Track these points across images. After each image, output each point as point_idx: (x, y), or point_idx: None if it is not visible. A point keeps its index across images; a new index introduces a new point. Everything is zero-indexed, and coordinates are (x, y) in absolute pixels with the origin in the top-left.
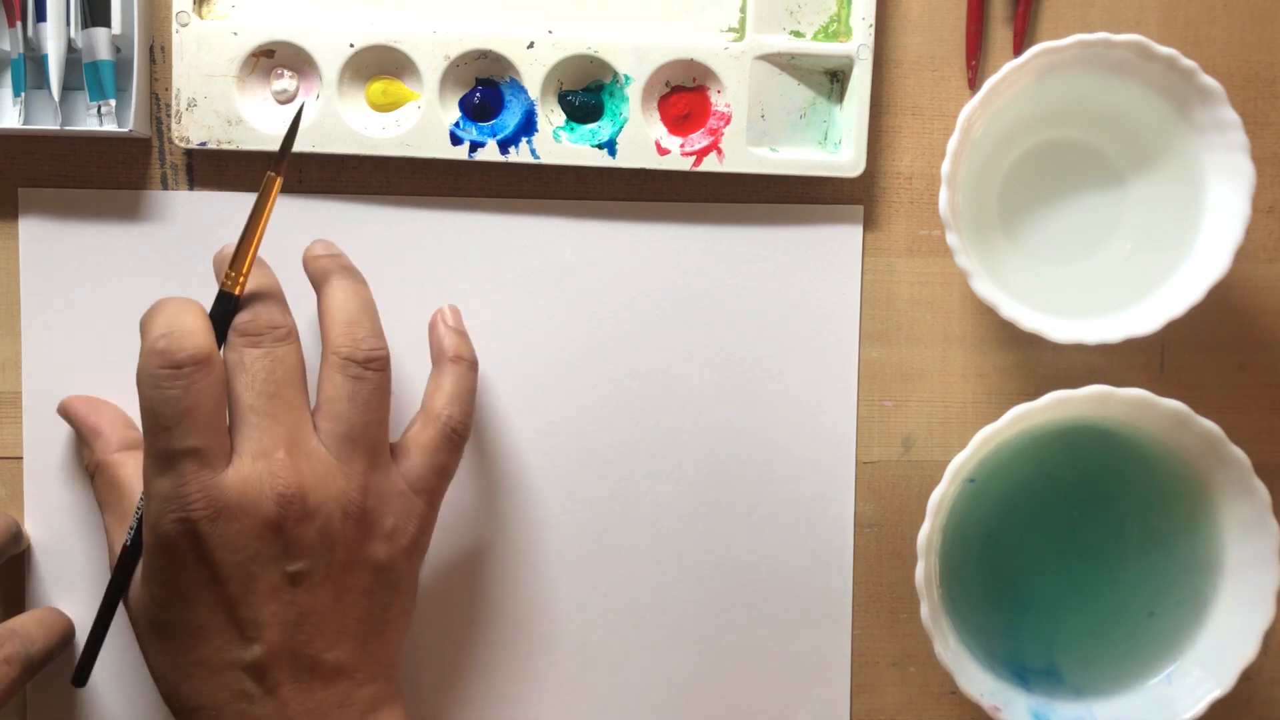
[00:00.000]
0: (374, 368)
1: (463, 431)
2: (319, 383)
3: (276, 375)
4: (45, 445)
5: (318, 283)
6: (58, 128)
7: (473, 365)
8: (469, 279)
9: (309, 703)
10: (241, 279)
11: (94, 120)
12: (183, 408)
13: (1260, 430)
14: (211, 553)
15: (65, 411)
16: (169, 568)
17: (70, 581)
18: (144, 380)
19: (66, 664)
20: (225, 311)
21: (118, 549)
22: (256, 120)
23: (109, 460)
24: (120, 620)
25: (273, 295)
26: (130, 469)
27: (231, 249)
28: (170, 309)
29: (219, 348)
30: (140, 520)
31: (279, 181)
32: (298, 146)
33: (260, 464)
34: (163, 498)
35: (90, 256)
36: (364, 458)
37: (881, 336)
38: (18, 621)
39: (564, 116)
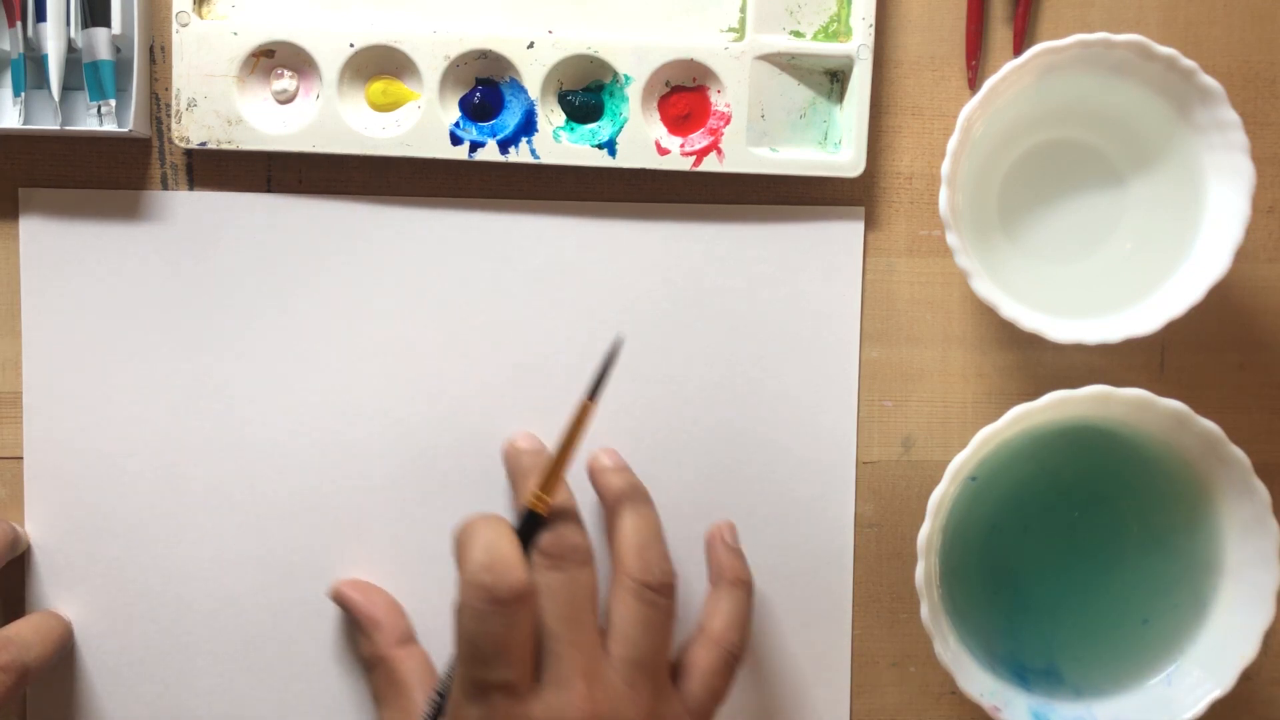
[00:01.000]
0: (665, 594)
1: (741, 657)
2: (609, 605)
3: (577, 599)
4: (45, 445)
5: (610, 504)
6: (58, 128)
7: (750, 588)
8: (469, 279)
9: None
10: (548, 501)
11: (94, 120)
12: (503, 642)
13: (1260, 430)
14: None
15: (341, 599)
16: None
17: (70, 583)
18: (465, 611)
19: (66, 666)
20: (529, 530)
21: None
22: (256, 120)
23: (391, 655)
24: (124, 621)
25: (571, 514)
26: (410, 665)
27: (528, 453)
28: (487, 535)
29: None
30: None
31: (593, 408)
32: (297, 147)
33: (562, 695)
34: (471, 717)
35: (90, 256)
36: (650, 685)
37: (881, 336)
38: (14, 629)
39: (564, 116)
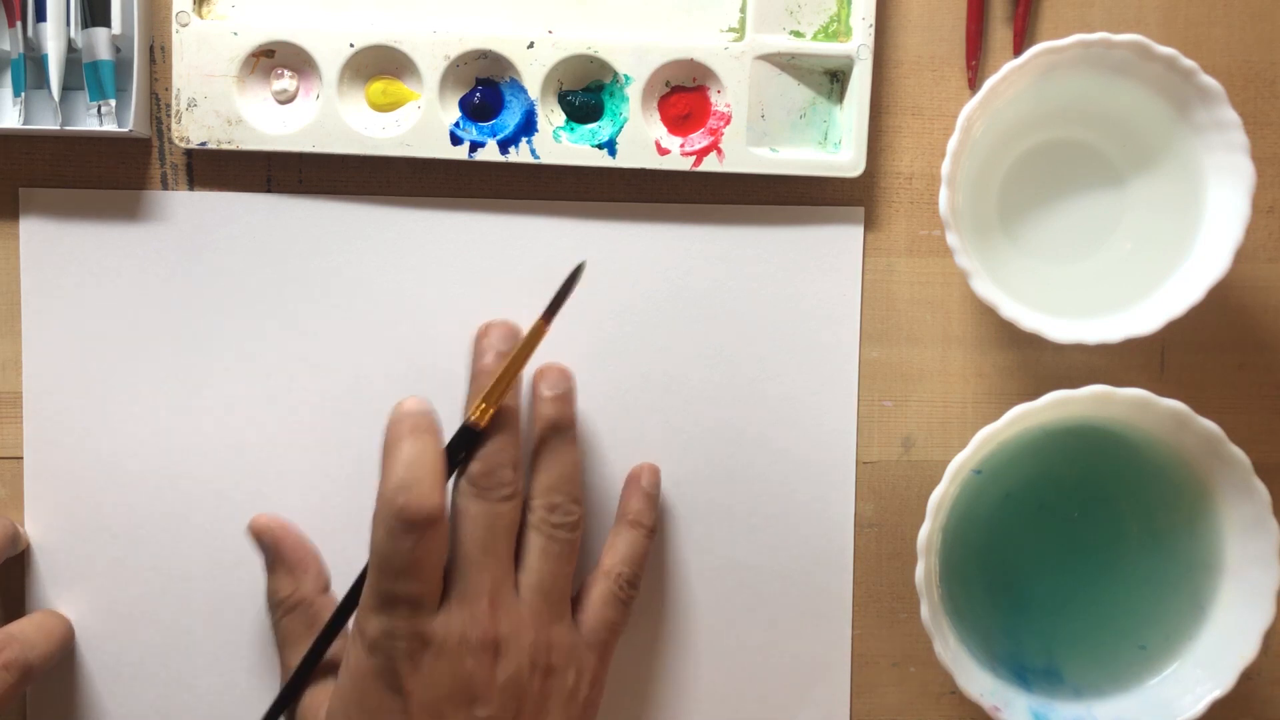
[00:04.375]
0: (569, 530)
1: (631, 591)
2: (521, 535)
3: (495, 528)
4: (45, 445)
5: (537, 432)
6: (58, 128)
7: (651, 533)
8: (469, 279)
9: None
10: (489, 411)
11: (94, 120)
12: (412, 559)
13: (1260, 430)
14: (409, 688)
15: (266, 535)
16: (370, 696)
17: (70, 582)
18: (379, 525)
19: (66, 666)
20: (465, 441)
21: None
22: (256, 120)
23: (315, 600)
24: (124, 621)
25: (508, 444)
26: (328, 612)
27: (489, 359)
28: (410, 452)
29: (453, 475)
30: (318, 641)
31: (546, 330)
32: (297, 147)
33: (464, 610)
34: (376, 632)
35: (90, 256)
36: (550, 611)
37: (881, 336)
38: (17, 627)
39: (564, 116)
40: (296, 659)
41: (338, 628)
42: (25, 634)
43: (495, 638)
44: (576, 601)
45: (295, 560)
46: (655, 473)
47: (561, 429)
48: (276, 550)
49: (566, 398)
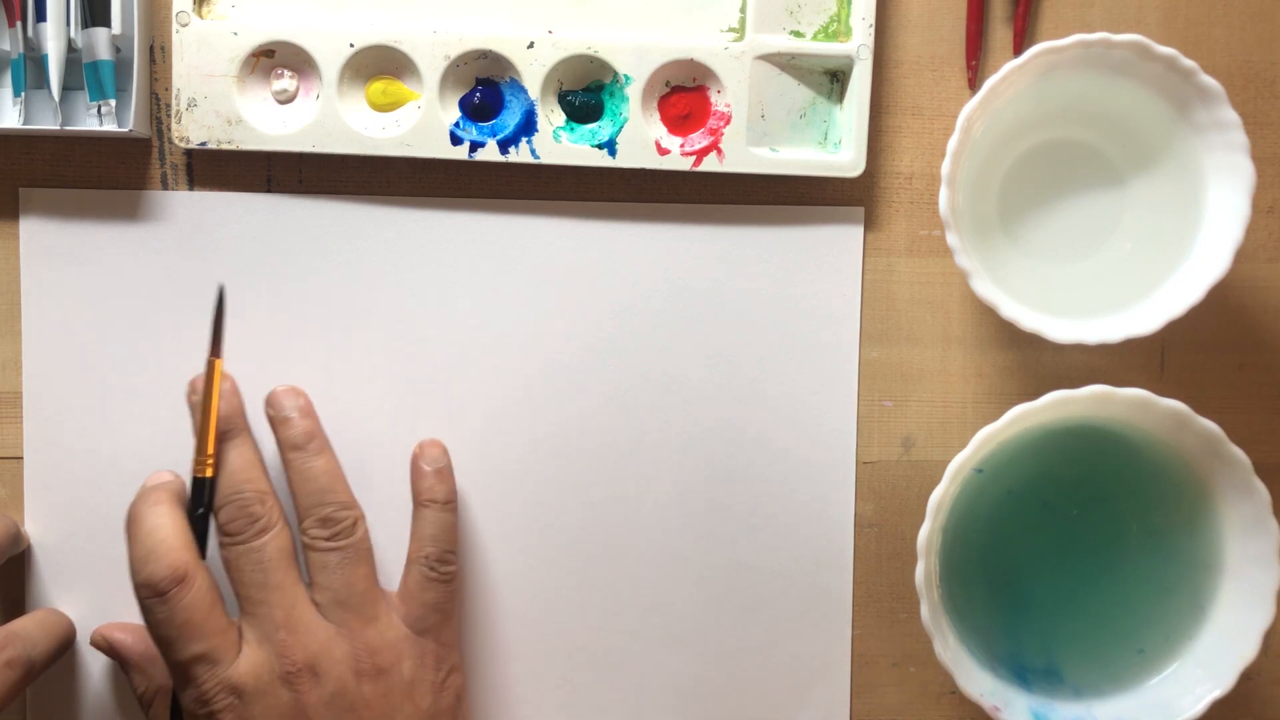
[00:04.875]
0: (345, 535)
1: (442, 568)
2: (302, 555)
3: (264, 563)
4: (45, 445)
5: (282, 450)
6: (58, 128)
7: (446, 504)
8: (469, 279)
9: None
10: (209, 460)
11: (94, 120)
12: (178, 624)
13: (1260, 430)
14: None
15: (102, 645)
16: None
17: (70, 581)
18: (142, 607)
19: (66, 665)
20: (201, 493)
21: None
22: (256, 120)
23: (168, 686)
24: (120, 616)
25: (243, 482)
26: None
27: (196, 416)
28: (146, 525)
29: (208, 527)
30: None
31: (219, 364)
32: (297, 147)
33: (265, 647)
34: (191, 703)
35: (90, 256)
36: (359, 618)
37: (881, 336)
38: (19, 624)
39: (564, 116)
40: None
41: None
42: (27, 631)
43: (305, 662)
44: (394, 596)
45: (140, 655)
46: (435, 445)
47: (301, 444)
48: (122, 655)
49: (300, 413)
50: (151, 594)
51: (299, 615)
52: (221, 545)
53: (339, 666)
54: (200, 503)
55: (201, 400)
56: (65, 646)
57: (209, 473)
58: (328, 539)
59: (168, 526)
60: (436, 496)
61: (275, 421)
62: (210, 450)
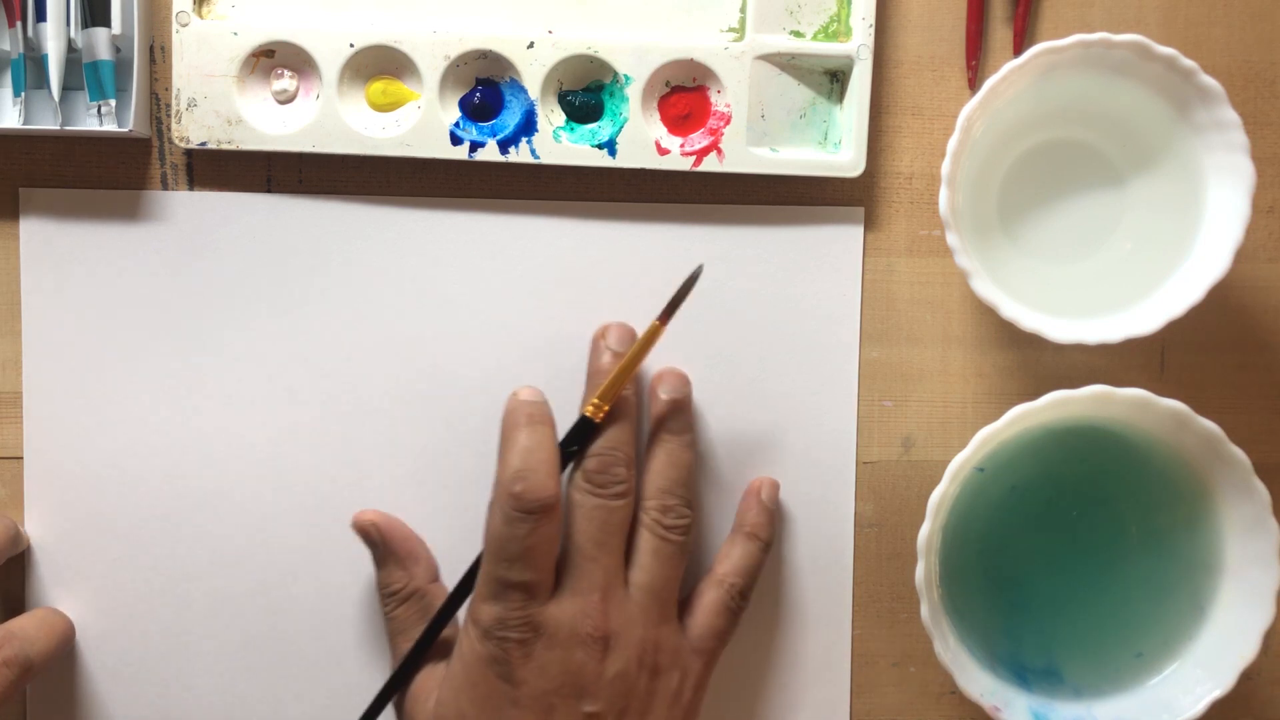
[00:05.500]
0: (680, 533)
1: (741, 602)
2: (633, 534)
3: (609, 524)
4: (45, 445)
5: (652, 429)
6: (58, 128)
7: (765, 545)
8: (469, 279)
9: None
10: (605, 408)
11: (94, 120)
12: (526, 546)
13: (1260, 430)
14: (520, 677)
15: (376, 530)
16: (481, 684)
17: (70, 581)
18: (495, 512)
19: (67, 665)
20: (579, 435)
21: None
22: (256, 120)
23: (429, 589)
24: (124, 620)
25: (622, 442)
26: (440, 600)
27: (606, 359)
28: (526, 442)
29: (568, 468)
30: (430, 628)
31: (663, 330)
32: (297, 147)
33: (577, 602)
34: (489, 620)
35: (90, 256)
36: (659, 611)
37: (881, 336)
38: (17, 624)
39: (564, 116)
40: (408, 646)
41: (449, 615)
42: (26, 630)
43: (606, 632)
44: (685, 607)
45: (405, 552)
46: (775, 487)
47: (677, 432)
48: (386, 544)
49: (684, 402)
50: (518, 510)
51: (616, 586)
52: (576, 489)
53: (631, 649)
54: (576, 441)
55: (630, 353)
56: (64, 646)
57: (600, 418)
58: (668, 528)
59: (548, 450)
60: (761, 535)
61: (660, 400)
62: (611, 400)
